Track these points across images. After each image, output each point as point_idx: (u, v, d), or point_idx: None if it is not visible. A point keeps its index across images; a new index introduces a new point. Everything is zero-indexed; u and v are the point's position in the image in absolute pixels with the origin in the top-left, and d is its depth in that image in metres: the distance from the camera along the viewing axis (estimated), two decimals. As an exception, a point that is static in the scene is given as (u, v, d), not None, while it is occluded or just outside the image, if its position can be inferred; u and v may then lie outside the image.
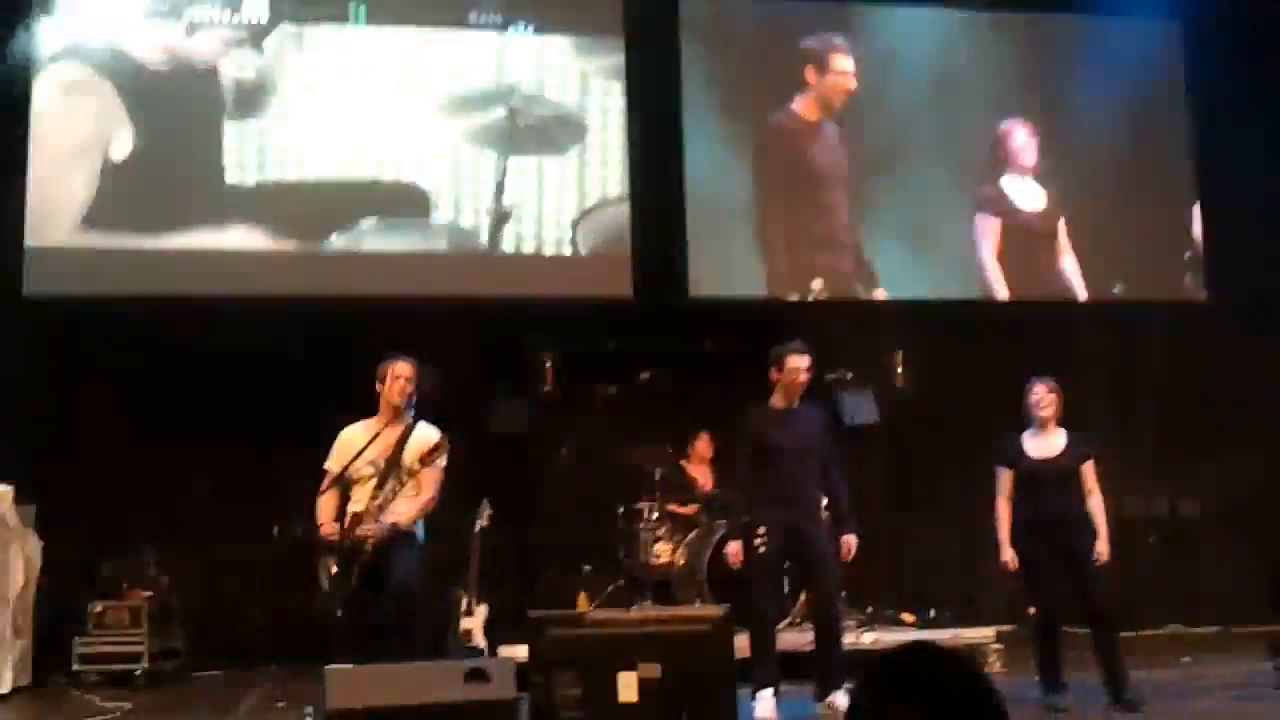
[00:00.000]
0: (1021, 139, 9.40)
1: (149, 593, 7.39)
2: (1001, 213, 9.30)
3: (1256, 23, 9.15)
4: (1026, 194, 9.39)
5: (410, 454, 5.59)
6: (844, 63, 9.27)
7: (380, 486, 5.55)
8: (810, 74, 9.21)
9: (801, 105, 9.19)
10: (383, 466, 5.57)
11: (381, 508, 5.53)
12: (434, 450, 5.53)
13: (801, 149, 9.17)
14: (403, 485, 5.55)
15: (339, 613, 5.38)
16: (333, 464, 5.70)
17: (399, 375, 5.69)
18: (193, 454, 7.86)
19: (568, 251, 8.75)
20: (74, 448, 7.75)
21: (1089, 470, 6.00)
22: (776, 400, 6.11)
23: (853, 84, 9.22)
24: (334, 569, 5.44)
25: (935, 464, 8.88)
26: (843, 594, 7.36)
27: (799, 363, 6.05)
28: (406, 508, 5.58)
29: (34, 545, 7.36)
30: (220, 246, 8.27)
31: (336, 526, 5.47)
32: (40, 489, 7.41)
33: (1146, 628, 8.36)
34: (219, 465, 7.87)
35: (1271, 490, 8.83)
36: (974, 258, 9.23)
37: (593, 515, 8.03)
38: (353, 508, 5.56)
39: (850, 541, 6.04)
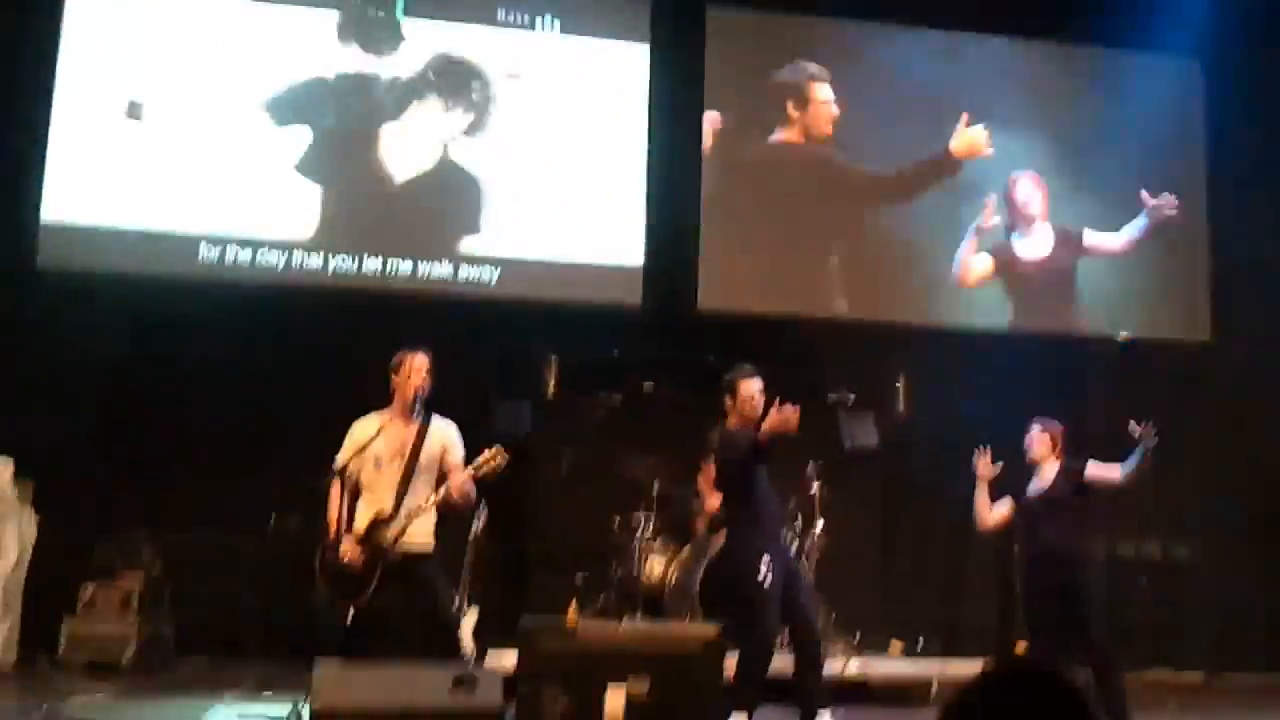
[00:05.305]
0: (1026, 192, 9.30)
1: (141, 576, 7.36)
2: (1002, 259, 9.24)
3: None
4: (1032, 244, 9.30)
5: (431, 451, 5.45)
6: (823, 91, 9.14)
7: (405, 487, 5.38)
8: (791, 108, 9.11)
9: (785, 135, 9.09)
10: (403, 465, 5.40)
11: (406, 510, 5.35)
12: (491, 461, 5.35)
13: (794, 173, 9.09)
14: (434, 489, 5.39)
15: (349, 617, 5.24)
16: (341, 456, 5.44)
17: (418, 368, 5.48)
18: (195, 440, 7.83)
19: (581, 258, 8.69)
20: (77, 427, 7.73)
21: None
22: (735, 424, 5.77)
23: (835, 111, 9.08)
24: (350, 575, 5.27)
25: (931, 492, 8.82)
26: (831, 616, 7.34)
27: (752, 388, 5.75)
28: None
29: (30, 522, 7.35)
30: (233, 231, 8.25)
31: (356, 548, 5.32)
32: (41, 466, 7.38)
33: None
34: (220, 452, 7.80)
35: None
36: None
37: (589, 525, 7.96)
38: (370, 508, 5.40)
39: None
